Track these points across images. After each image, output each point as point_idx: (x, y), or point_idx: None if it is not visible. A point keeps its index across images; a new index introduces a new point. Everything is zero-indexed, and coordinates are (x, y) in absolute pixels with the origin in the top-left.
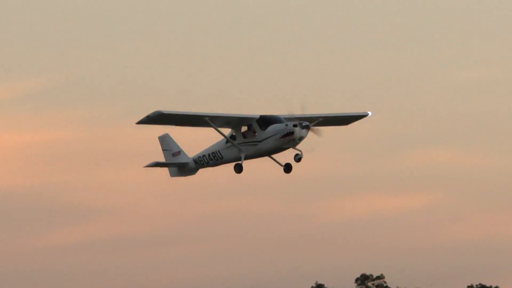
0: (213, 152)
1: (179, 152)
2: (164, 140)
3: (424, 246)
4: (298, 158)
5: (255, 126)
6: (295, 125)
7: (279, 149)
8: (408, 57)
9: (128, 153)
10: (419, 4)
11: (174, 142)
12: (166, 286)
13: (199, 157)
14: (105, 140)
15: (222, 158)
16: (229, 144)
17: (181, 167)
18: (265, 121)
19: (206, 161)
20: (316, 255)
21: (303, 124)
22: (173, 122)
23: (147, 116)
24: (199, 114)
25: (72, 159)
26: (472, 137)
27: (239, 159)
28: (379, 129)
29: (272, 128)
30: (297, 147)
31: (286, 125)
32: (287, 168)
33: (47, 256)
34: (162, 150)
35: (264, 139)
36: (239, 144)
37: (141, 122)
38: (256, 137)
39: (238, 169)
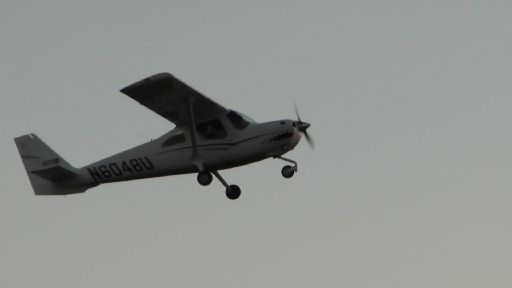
0: (132, 160)
1: (56, 160)
2: (28, 144)
3: None
4: (289, 172)
5: (226, 123)
6: (293, 124)
7: (260, 156)
8: None
9: None
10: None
11: (45, 145)
12: None
13: (101, 166)
14: None
15: (150, 167)
16: (170, 147)
17: (67, 178)
18: (236, 118)
19: (115, 172)
20: None
21: (302, 125)
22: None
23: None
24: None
25: None
26: None
27: (182, 169)
28: None
29: (257, 126)
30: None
31: (282, 123)
32: (234, 192)
33: None
34: (22, 157)
35: (240, 141)
36: (190, 147)
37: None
38: (227, 137)
39: (208, 178)
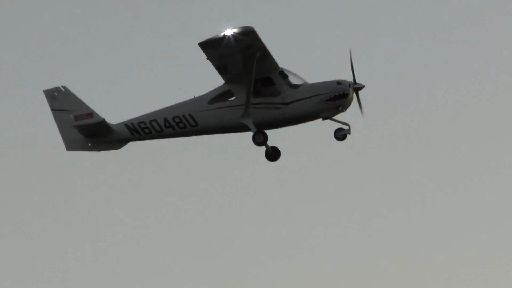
0: (175, 116)
1: (90, 115)
2: (59, 96)
3: None
4: (342, 135)
5: (278, 81)
6: (349, 85)
7: (313, 117)
8: None
9: None
10: None
11: (77, 99)
12: None
13: (141, 122)
14: None
15: (195, 125)
16: (218, 104)
17: (105, 134)
18: (285, 77)
19: (156, 129)
20: None
21: (357, 85)
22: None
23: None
24: None
25: None
26: None
27: (229, 128)
28: None
29: (312, 86)
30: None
31: (339, 83)
32: (274, 153)
33: None
34: (53, 110)
35: (294, 101)
36: (241, 105)
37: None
38: (279, 96)
39: (264, 138)
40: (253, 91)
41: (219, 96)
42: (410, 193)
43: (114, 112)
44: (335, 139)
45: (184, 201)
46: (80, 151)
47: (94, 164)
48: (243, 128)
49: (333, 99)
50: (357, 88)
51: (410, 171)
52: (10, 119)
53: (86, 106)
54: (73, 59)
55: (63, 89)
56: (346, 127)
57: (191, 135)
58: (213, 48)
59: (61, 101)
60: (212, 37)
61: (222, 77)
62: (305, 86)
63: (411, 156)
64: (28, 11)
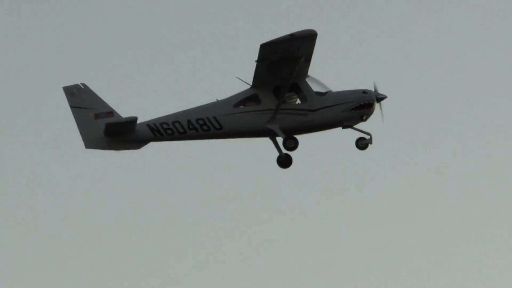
0: (199, 119)
1: (110, 114)
2: (79, 94)
3: None
4: (364, 144)
5: (305, 88)
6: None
7: (337, 125)
8: None
9: None
10: None
11: (97, 97)
12: None
13: (163, 123)
14: None
15: (219, 128)
16: (243, 108)
17: (128, 133)
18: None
19: (179, 130)
20: None
21: (379, 96)
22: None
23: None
24: None
25: None
26: None
27: (254, 132)
28: None
29: (338, 94)
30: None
31: (365, 92)
32: (287, 160)
33: None
34: (72, 108)
35: (320, 108)
36: (268, 110)
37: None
38: (307, 103)
39: (295, 143)
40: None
41: (245, 100)
42: (429, 204)
43: (133, 112)
44: (356, 148)
45: (194, 204)
46: (100, 149)
47: (113, 163)
48: (268, 133)
49: (358, 108)
50: (380, 98)
51: (429, 181)
52: (29, 115)
53: (106, 104)
54: (93, 56)
55: (82, 87)
56: (368, 137)
57: (214, 138)
58: (272, 49)
59: (80, 99)
60: (277, 38)
61: (255, 81)
62: (331, 94)
63: (430, 166)
64: (51, 8)
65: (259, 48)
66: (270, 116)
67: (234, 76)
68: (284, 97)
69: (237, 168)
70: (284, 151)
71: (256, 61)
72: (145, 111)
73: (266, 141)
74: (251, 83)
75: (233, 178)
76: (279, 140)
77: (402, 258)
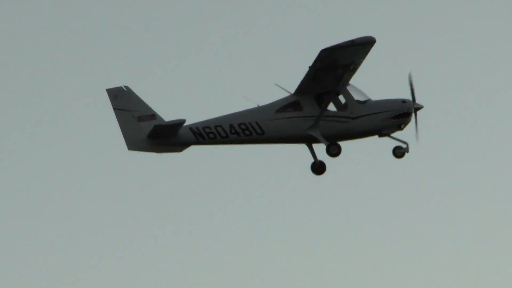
0: (242, 123)
1: (153, 116)
2: (123, 96)
3: None
4: (401, 153)
5: (347, 95)
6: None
7: (376, 133)
8: None
9: None
10: None
11: (140, 99)
12: None
13: (206, 127)
14: None
15: (261, 133)
16: (285, 114)
17: (171, 136)
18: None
19: (221, 134)
20: None
21: (416, 106)
22: None
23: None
24: None
25: None
26: None
27: (295, 138)
28: None
29: (378, 102)
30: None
31: (404, 101)
32: (321, 167)
33: None
34: (115, 109)
35: (361, 116)
36: (309, 117)
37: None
38: (348, 110)
39: (338, 149)
40: (322, 103)
41: (287, 106)
42: (463, 213)
43: (173, 116)
44: (393, 156)
45: (228, 209)
46: (142, 151)
47: (155, 164)
48: (308, 140)
49: (397, 116)
50: (416, 108)
51: (464, 191)
52: (72, 116)
53: (148, 107)
54: (136, 60)
55: (125, 89)
56: (404, 146)
57: (255, 143)
58: (329, 55)
59: (123, 101)
60: (337, 44)
61: (299, 87)
62: (371, 102)
63: (467, 176)
64: (97, 10)
65: (318, 52)
66: (311, 123)
67: (273, 83)
68: (328, 104)
69: (271, 173)
70: (321, 157)
71: (309, 66)
72: (185, 115)
73: (302, 147)
74: (289, 90)
75: (267, 184)
76: (316, 146)
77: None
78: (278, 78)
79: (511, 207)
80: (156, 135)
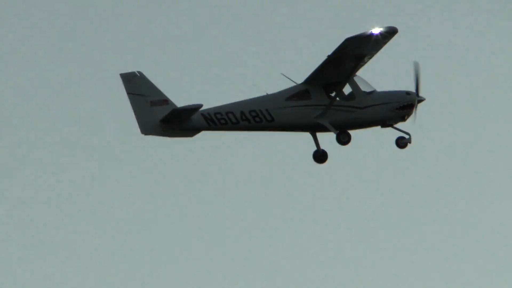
0: (252, 110)
1: (165, 101)
2: (136, 81)
3: None
4: (404, 143)
5: (354, 86)
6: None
7: (380, 123)
8: None
9: None
10: None
11: (153, 85)
12: None
13: (217, 113)
14: None
15: (271, 120)
16: (295, 102)
17: (184, 121)
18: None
19: (232, 121)
20: None
21: (418, 98)
22: None
23: None
24: None
25: None
26: None
27: (303, 126)
28: None
29: (384, 93)
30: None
31: (408, 93)
32: (323, 155)
33: None
34: (129, 94)
35: (367, 106)
36: (318, 105)
37: None
38: (355, 100)
39: (348, 138)
40: (330, 92)
41: (296, 95)
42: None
43: (183, 102)
44: (396, 147)
45: (231, 195)
46: (155, 135)
47: (168, 149)
48: (317, 128)
49: (402, 108)
50: (419, 100)
51: (464, 182)
52: (87, 100)
53: (161, 92)
54: (149, 45)
55: (138, 74)
56: (407, 136)
57: (265, 130)
58: (351, 44)
59: (137, 86)
60: (361, 33)
61: (311, 76)
62: (376, 94)
63: (467, 167)
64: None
65: (343, 41)
66: (320, 111)
67: (279, 72)
68: (340, 92)
69: (272, 161)
70: (326, 147)
71: (328, 55)
72: (195, 102)
73: (305, 135)
74: (294, 80)
75: (267, 171)
76: (319, 135)
77: (445, 261)
78: (284, 68)
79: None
80: (172, 118)
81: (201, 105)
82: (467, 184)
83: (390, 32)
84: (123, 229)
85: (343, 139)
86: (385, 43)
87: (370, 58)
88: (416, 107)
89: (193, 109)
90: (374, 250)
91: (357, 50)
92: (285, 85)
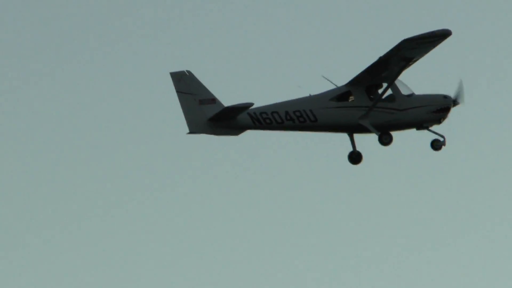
0: (296, 111)
1: (213, 100)
2: (185, 80)
3: None
4: (439, 146)
5: (394, 88)
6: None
7: (417, 125)
8: None
9: None
10: None
11: (201, 84)
12: None
13: (263, 113)
14: None
15: (314, 120)
16: (333, 103)
17: (232, 119)
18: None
19: (277, 120)
20: None
21: (456, 103)
22: None
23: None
24: None
25: None
26: None
27: (345, 127)
28: None
29: (422, 96)
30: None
31: (445, 97)
32: (358, 156)
33: None
34: (178, 92)
35: (407, 108)
36: (360, 107)
37: None
38: (396, 102)
39: (390, 138)
40: (372, 94)
41: (340, 96)
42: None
43: (229, 101)
44: (431, 149)
45: (267, 195)
46: (202, 133)
47: (215, 146)
48: (358, 129)
49: (439, 111)
50: (456, 104)
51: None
52: (138, 98)
53: (209, 91)
54: (199, 46)
55: (187, 73)
56: (442, 139)
57: (309, 130)
58: (408, 46)
59: (186, 84)
60: (419, 35)
61: (356, 78)
62: (415, 96)
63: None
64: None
65: (399, 42)
66: (362, 113)
67: (321, 75)
68: (384, 94)
69: (308, 160)
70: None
71: (380, 57)
72: (240, 101)
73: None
74: (335, 82)
75: (304, 170)
76: (357, 136)
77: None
78: (324, 70)
79: None
80: (223, 116)
81: (252, 104)
82: (498, 189)
83: (444, 35)
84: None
85: (385, 140)
86: (436, 45)
87: (416, 61)
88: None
89: (245, 107)
90: (407, 252)
91: (409, 52)
92: (327, 87)
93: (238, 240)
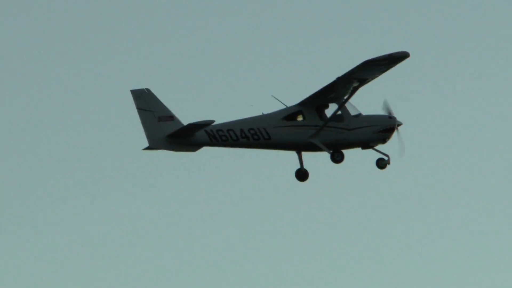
0: (251, 129)
1: (171, 118)
2: (145, 97)
3: None
4: (384, 164)
5: (344, 109)
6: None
7: (363, 145)
8: None
9: None
10: None
11: (160, 102)
12: None
13: (219, 130)
14: None
15: (268, 139)
16: (285, 122)
17: (190, 136)
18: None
19: (233, 138)
20: None
21: (397, 122)
22: None
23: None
24: None
25: None
26: None
27: (297, 145)
28: None
29: (369, 117)
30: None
31: (390, 117)
32: (304, 174)
33: None
34: (138, 109)
35: (355, 128)
36: (311, 126)
37: None
38: (344, 122)
39: (341, 157)
40: (321, 114)
41: (291, 115)
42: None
43: (186, 117)
44: (376, 167)
45: (219, 208)
46: (161, 149)
47: (172, 162)
48: (309, 147)
49: (384, 131)
50: (398, 124)
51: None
52: (98, 114)
53: (167, 108)
54: (157, 63)
55: (146, 91)
56: (386, 158)
57: (262, 148)
58: (366, 67)
59: (145, 102)
60: (378, 57)
61: (309, 98)
62: (362, 116)
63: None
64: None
65: (361, 63)
66: (313, 132)
67: (270, 94)
68: (335, 114)
69: (256, 177)
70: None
71: (338, 77)
72: (197, 118)
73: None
74: (283, 102)
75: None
76: (305, 155)
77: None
78: (274, 90)
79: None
80: (183, 133)
81: (213, 121)
82: (444, 203)
83: (402, 57)
84: (136, 234)
85: (337, 157)
86: (391, 67)
87: (369, 82)
88: (398, 131)
89: (207, 124)
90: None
91: (365, 73)
92: (276, 106)
93: (190, 253)
